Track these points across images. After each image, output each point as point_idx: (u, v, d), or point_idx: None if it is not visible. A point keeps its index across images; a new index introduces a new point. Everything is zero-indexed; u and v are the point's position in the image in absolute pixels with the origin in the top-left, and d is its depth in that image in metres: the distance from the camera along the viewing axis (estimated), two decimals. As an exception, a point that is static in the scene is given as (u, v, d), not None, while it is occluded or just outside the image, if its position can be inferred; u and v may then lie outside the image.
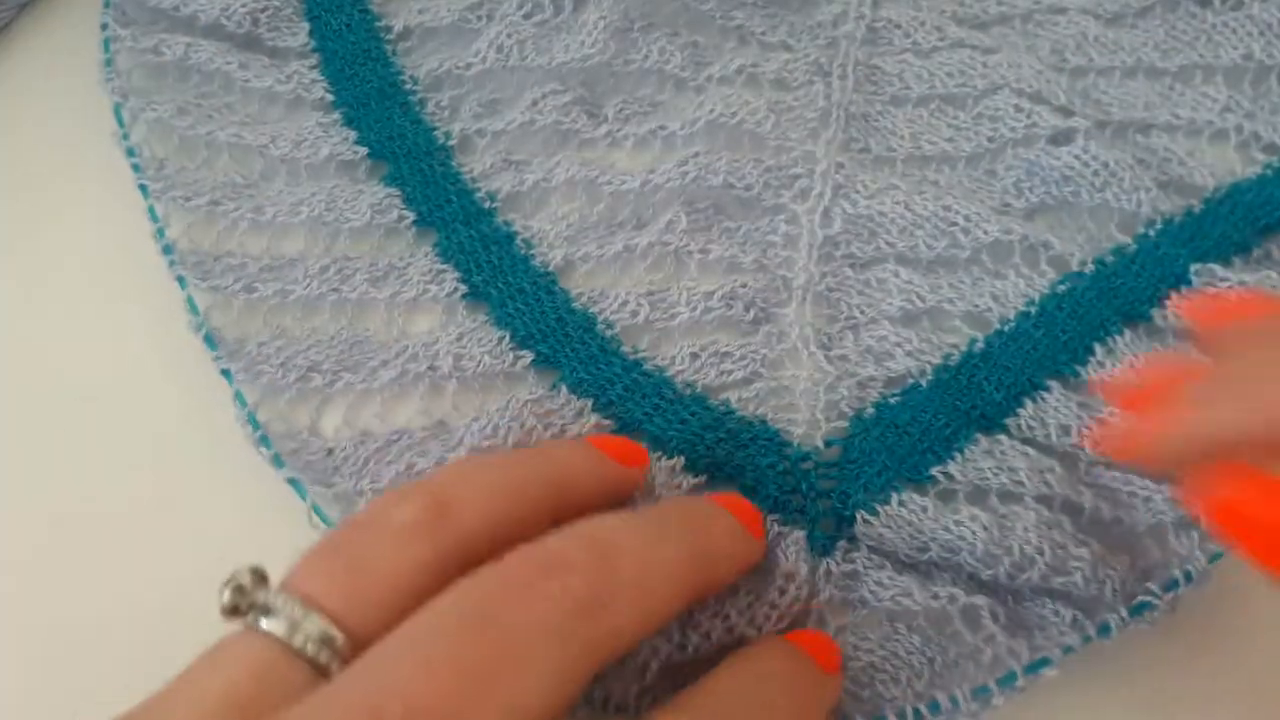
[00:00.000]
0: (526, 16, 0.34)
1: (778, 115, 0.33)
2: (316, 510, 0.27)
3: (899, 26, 0.35)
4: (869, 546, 0.26)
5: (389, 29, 0.35)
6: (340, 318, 0.30)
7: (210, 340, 0.29)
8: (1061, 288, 0.30)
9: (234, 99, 0.33)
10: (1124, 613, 0.25)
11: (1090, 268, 0.30)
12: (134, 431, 0.29)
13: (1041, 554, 0.25)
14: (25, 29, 0.37)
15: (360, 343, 0.29)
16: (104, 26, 0.34)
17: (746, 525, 0.25)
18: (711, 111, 0.32)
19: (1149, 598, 0.25)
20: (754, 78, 0.34)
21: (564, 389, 0.29)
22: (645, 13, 0.35)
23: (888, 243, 0.31)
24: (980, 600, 0.25)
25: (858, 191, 0.32)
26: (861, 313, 0.30)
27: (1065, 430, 0.27)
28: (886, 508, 0.26)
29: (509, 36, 0.34)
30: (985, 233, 0.30)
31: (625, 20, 0.34)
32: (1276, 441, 0.21)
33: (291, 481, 0.27)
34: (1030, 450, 0.27)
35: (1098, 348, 0.29)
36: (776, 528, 0.26)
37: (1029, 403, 0.28)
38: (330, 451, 0.28)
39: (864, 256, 0.31)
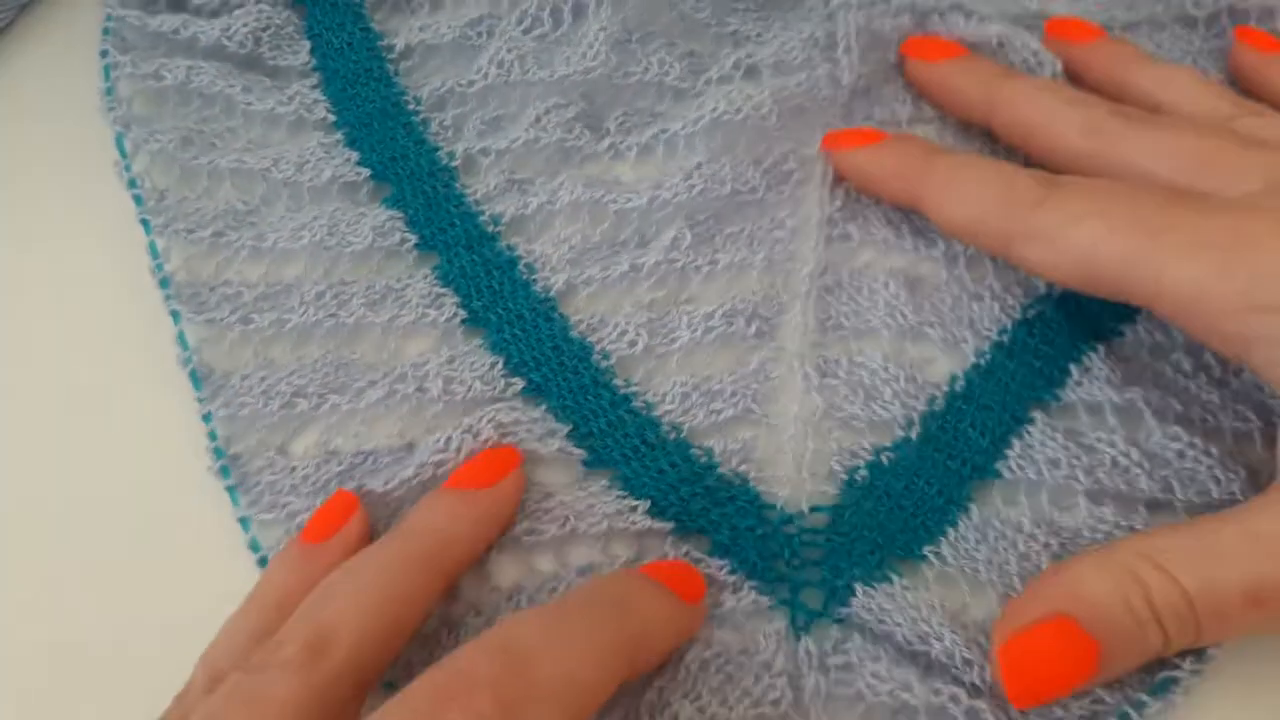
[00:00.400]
0: (526, 31, 0.34)
1: (781, 105, 0.32)
2: (254, 545, 0.27)
3: None
4: (865, 631, 0.25)
5: (390, 48, 0.34)
6: (332, 342, 0.30)
7: (196, 379, 0.29)
8: (1031, 312, 0.29)
9: (236, 123, 0.33)
10: (1144, 698, 0.24)
11: (1058, 289, 0.30)
12: (120, 452, 0.29)
13: None
14: (25, 30, 0.37)
15: (347, 365, 0.29)
16: (104, 54, 0.33)
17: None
18: (714, 109, 0.32)
19: (1174, 673, 0.24)
20: (753, 69, 0.33)
21: (544, 410, 0.29)
22: (642, 23, 0.34)
23: (877, 227, 0.31)
24: (983, 705, 0.24)
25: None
26: (847, 321, 0.30)
27: (1054, 464, 0.27)
28: (887, 587, 0.26)
29: (509, 51, 0.33)
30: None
31: (624, 31, 0.34)
32: None
33: (242, 520, 0.28)
34: (1025, 523, 0.26)
35: (1074, 369, 0.28)
36: (754, 595, 0.26)
37: (1015, 442, 0.28)
38: (293, 469, 0.28)
39: (856, 237, 0.31)
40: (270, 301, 0.30)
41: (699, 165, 0.31)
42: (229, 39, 0.33)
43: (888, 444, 0.28)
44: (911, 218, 0.31)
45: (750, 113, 0.32)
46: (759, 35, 0.34)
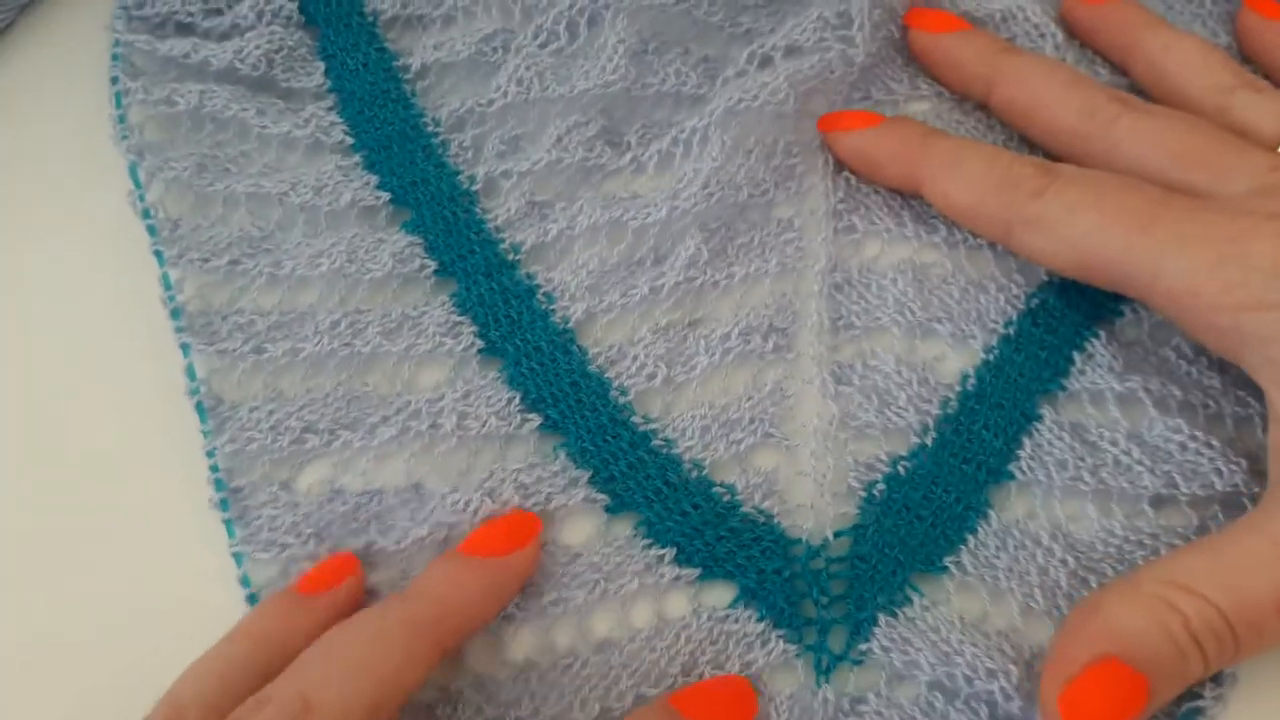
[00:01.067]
0: (542, 46, 0.33)
1: (796, 88, 0.31)
2: (245, 581, 0.27)
3: None
4: (887, 669, 0.25)
5: (406, 68, 0.34)
6: (345, 372, 0.29)
7: (202, 412, 0.28)
8: (1034, 301, 0.29)
9: (251, 146, 0.33)
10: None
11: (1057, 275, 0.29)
12: (123, 478, 0.29)
13: None
14: (26, 30, 0.37)
15: (359, 398, 0.29)
16: (114, 80, 0.33)
17: (517, 544, 0.26)
18: (730, 99, 0.31)
19: (1199, 703, 0.24)
20: (766, 58, 0.32)
21: (563, 456, 0.28)
22: (656, 31, 0.34)
23: (879, 218, 0.31)
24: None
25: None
26: (859, 319, 0.29)
27: (1062, 465, 0.27)
28: (907, 610, 0.25)
29: (528, 69, 0.33)
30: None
31: (640, 42, 0.33)
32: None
33: (236, 555, 0.27)
34: (1043, 535, 0.26)
35: (1077, 357, 0.29)
36: (781, 645, 0.26)
37: (1026, 441, 0.28)
38: (295, 505, 0.27)
39: (860, 229, 0.31)
40: (284, 330, 0.30)
41: (716, 170, 0.30)
42: (241, 62, 0.33)
43: (904, 453, 0.28)
44: (912, 204, 0.31)
45: (767, 99, 0.31)
46: (772, 31, 0.33)
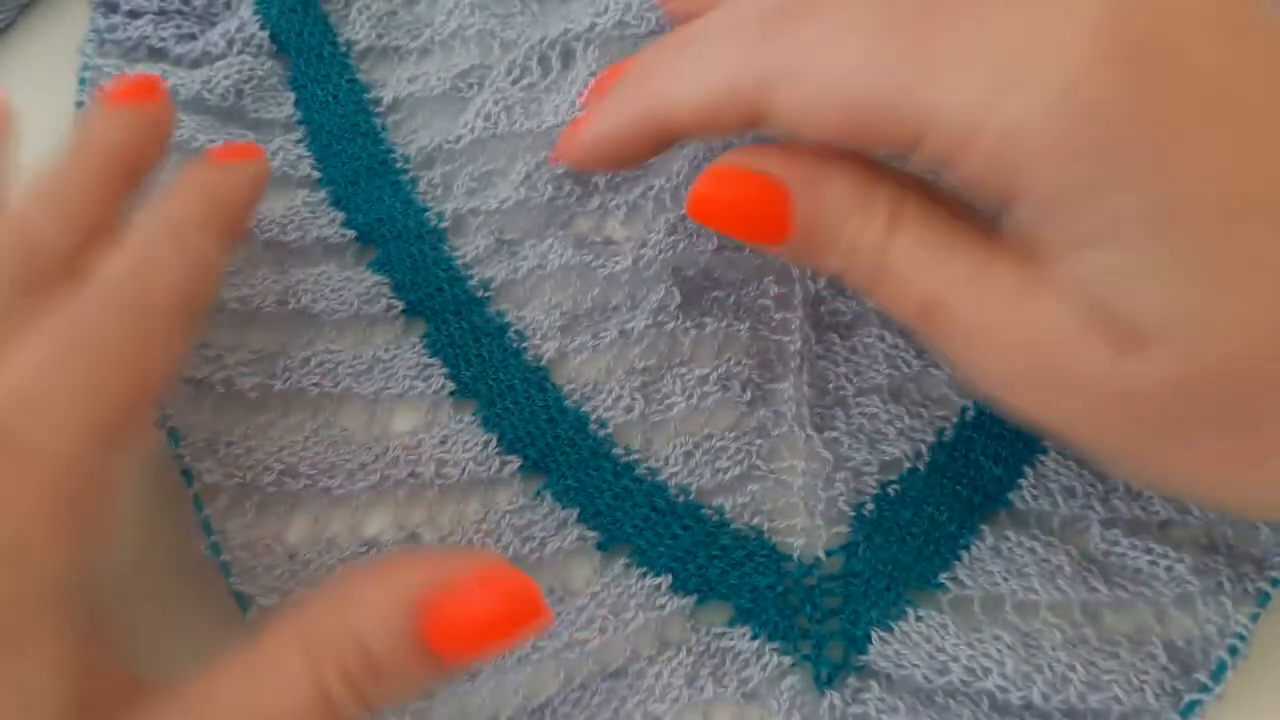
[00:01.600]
0: (515, 81, 0.33)
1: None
2: (242, 608, 0.26)
3: None
4: (883, 678, 0.25)
5: (378, 100, 0.33)
6: (320, 414, 0.29)
7: (174, 436, 0.28)
8: None
9: (216, 178, 0.32)
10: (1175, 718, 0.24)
11: None
12: None
13: (1074, 670, 0.24)
14: (26, 30, 0.36)
15: (337, 443, 0.28)
16: (79, 105, 0.32)
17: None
18: (694, 157, 0.31)
19: (1198, 695, 0.24)
20: None
21: (549, 497, 0.28)
22: (628, 40, 0.33)
23: None
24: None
25: None
26: (849, 382, 0.29)
27: (1070, 492, 0.27)
28: (902, 624, 0.26)
29: (496, 104, 0.32)
30: None
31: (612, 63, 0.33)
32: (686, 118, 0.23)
33: (238, 595, 0.26)
34: (1037, 544, 0.26)
35: None
36: (776, 658, 0.26)
37: (1029, 471, 0.27)
38: (292, 556, 0.27)
39: (848, 313, 0.30)
40: (255, 366, 0.29)
41: (683, 217, 0.30)
42: (210, 91, 0.32)
43: (893, 476, 0.28)
44: None
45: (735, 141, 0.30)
46: None
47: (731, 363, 0.29)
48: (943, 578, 0.26)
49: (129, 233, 0.24)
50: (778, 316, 0.30)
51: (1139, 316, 0.19)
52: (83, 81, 0.33)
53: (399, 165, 0.32)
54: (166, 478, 0.28)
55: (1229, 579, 0.26)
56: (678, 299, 0.30)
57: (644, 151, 0.26)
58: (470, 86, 0.33)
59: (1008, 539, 0.27)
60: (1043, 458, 0.27)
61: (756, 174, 0.23)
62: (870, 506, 0.27)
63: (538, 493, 0.28)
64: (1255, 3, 0.20)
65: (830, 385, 0.29)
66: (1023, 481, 0.27)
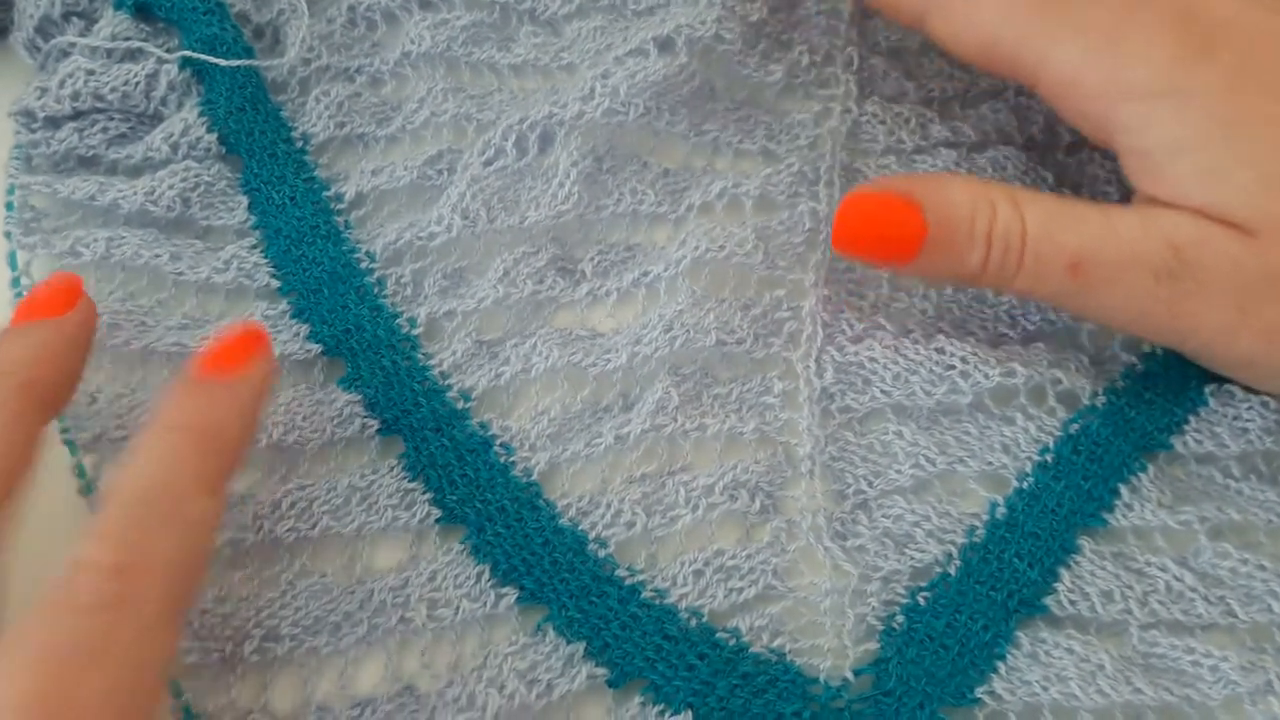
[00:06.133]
0: (488, 164, 0.30)
1: (766, 242, 0.30)
2: None
3: (883, 123, 0.32)
4: None
5: (339, 197, 0.31)
6: (297, 563, 0.26)
7: None
8: (1074, 427, 0.28)
9: (167, 294, 0.29)
10: None
11: (1102, 399, 0.28)
12: None
13: None
14: None
15: (318, 593, 0.26)
16: (7, 236, 0.29)
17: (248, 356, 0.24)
18: (696, 249, 0.29)
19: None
20: (736, 200, 0.31)
21: (551, 631, 0.26)
22: (613, 146, 0.31)
23: (883, 391, 0.29)
24: None
25: (843, 333, 0.29)
26: (870, 485, 0.27)
27: (1108, 596, 0.26)
28: None
29: (473, 198, 0.30)
30: (986, 376, 0.28)
31: (594, 161, 0.31)
32: None
33: None
34: (1075, 643, 0.25)
35: (1123, 489, 0.27)
36: None
37: (1065, 573, 0.26)
38: None
39: (860, 409, 0.29)
40: (224, 518, 0.26)
41: (680, 313, 0.29)
42: (154, 204, 0.29)
43: (923, 583, 0.26)
44: (910, 353, 0.29)
45: (734, 250, 0.30)
46: (740, 141, 0.32)
47: (738, 469, 0.28)
48: (979, 692, 0.25)
49: (106, 511, 0.21)
50: (784, 416, 0.29)
51: (1234, 209, 0.25)
52: (10, 206, 0.29)
53: (364, 266, 0.30)
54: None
55: (1278, 677, 0.25)
56: (676, 400, 0.28)
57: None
58: (440, 174, 0.31)
59: (1044, 642, 0.25)
60: (1078, 558, 0.26)
61: (884, 192, 0.27)
62: (900, 618, 0.26)
63: (539, 626, 0.26)
64: None
65: (850, 489, 0.28)
66: (1059, 585, 0.26)
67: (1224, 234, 0.25)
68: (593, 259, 0.31)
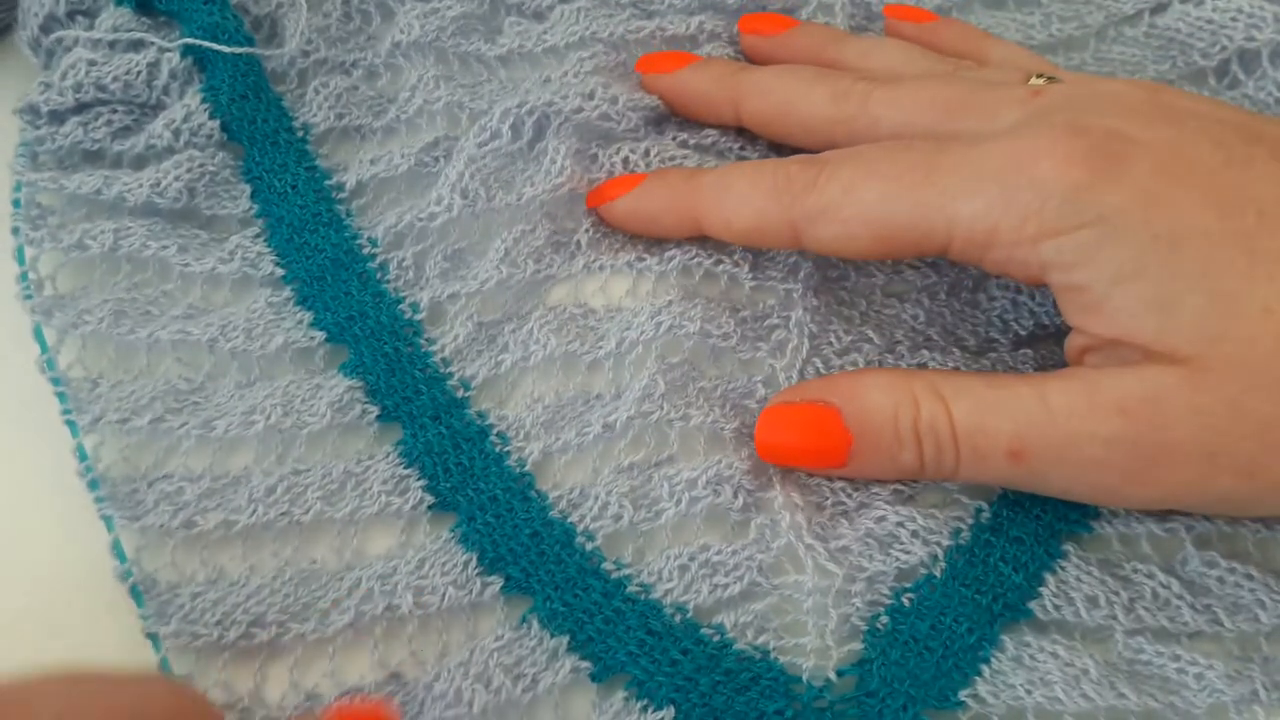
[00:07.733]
0: (483, 145, 0.31)
1: (756, 255, 0.30)
2: None
3: None
4: None
5: (340, 186, 0.31)
6: (287, 547, 0.27)
7: (137, 595, 0.26)
8: None
9: (173, 285, 0.30)
10: None
11: None
12: None
13: None
14: None
15: (308, 579, 0.26)
16: (15, 232, 0.30)
17: None
18: (687, 253, 0.30)
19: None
20: None
21: (535, 623, 0.26)
22: (606, 139, 0.32)
23: None
24: None
25: (829, 345, 0.29)
26: (849, 496, 0.28)
27: (1093, 602, 0.26)
28: None
29: (471, 177, 0.30)
30: None
31: (586, 145, 0.31)
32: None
33: None
34: (1060, 648, 0.25)
35: None
36: None
37: (1050, 578, 0.26)
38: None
39: None
40: (216, 498, 0.27)
41: (669, 303, 0.29)
42: (160, 195, 0.30)
43: (908, 584, 0.26)
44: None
45: (724, 258, 0.30)
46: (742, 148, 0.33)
47: (721, 464, 0.28)
48: (963, 695, 0.25)
49: None
50: None
51: (1187, 342, 0.23)
52: (17, 204, 0.30)
53: (366, 252, 0.30)
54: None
55: (1264, 686, 0.24)
56: (662, 387, 0.28)
57: (673, 234, 0.30)
58: (436, 160, 0.32)
59: (1029, 646, 0.25)
60: (1063, 563, 0.26)
61: (801, 403, 0.26)
62: (884, 619, 0.26)
63: (524, 618, 0.26)
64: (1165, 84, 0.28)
65: (829, 501, 0.28)
66: (1044, 590, 0.26)
67: (1176, 382, 0.23)
68: (586, 230, 0.31)
